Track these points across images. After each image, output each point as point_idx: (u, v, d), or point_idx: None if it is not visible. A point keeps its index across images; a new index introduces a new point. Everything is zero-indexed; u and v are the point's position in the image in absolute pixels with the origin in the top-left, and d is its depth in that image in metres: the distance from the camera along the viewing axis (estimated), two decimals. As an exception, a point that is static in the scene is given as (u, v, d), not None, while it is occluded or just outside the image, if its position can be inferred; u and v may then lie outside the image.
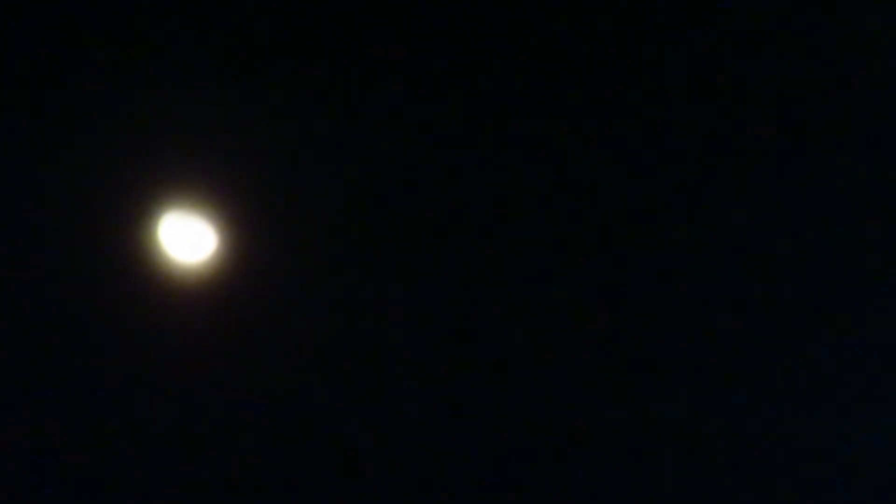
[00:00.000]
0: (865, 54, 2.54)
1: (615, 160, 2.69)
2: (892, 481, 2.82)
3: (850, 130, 2.61)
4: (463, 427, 2.96)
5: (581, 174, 2.71)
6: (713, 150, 2.67)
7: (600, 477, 2.93)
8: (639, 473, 2.93)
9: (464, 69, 2.72)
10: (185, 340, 2.87)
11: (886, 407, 2.75)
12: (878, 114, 2.58)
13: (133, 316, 2.86)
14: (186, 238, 2.84)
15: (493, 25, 2.62)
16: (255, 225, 2.85)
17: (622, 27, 2.61)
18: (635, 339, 2.83)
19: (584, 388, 2.89)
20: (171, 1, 2.57)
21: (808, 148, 2.63)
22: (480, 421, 2.96)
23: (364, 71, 2.70)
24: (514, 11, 2.59)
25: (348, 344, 2.91)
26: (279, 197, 2.83)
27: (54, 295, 2.83)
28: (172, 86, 2.71)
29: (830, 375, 2.79)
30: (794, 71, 2.57)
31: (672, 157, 2.68)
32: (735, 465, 2.90)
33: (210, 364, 2.89)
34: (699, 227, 2.72)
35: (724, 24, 2.56)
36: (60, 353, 2.85)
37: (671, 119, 2.63)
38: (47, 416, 2.85)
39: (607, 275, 2.80)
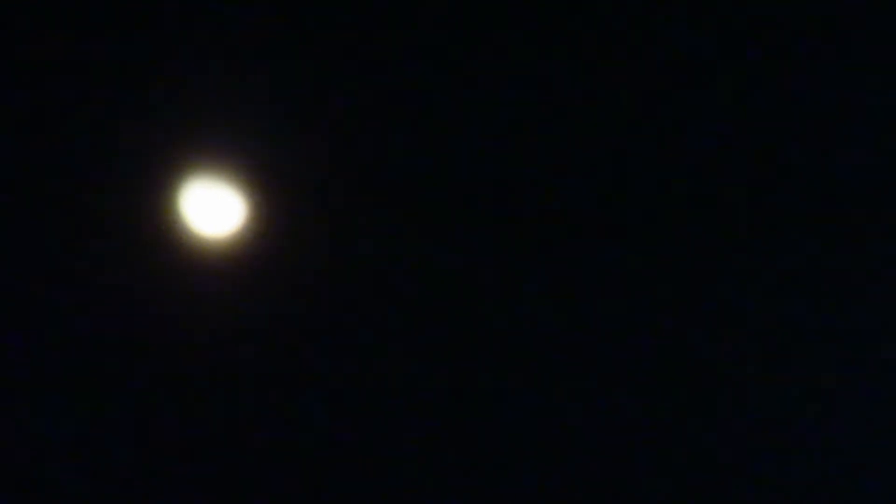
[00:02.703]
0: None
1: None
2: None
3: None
4: (501, 407, 2.68)
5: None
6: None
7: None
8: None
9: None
10: (210, 321, 2.63)
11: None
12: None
13: (154, 294, 2.63)
14: (212, 209, 2.65)
15: None
16: (288, 193, 2.66)
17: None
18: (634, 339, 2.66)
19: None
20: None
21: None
22: (510, 405, 2.68)
23: (413, 33, 2.60)
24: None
25: (388, 325, 2.67)
26: (316, 161, 2.65)
27: (70, 270, 2.61)
28: (197, 38, 2.60)
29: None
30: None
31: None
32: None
33: (238, 347, 2.64)
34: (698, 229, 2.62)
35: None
36: (76, 334, 2.60)
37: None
38: (63, 401, 2.58)
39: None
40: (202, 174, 2.65)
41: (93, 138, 2.60)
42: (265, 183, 2.65)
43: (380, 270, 2.68)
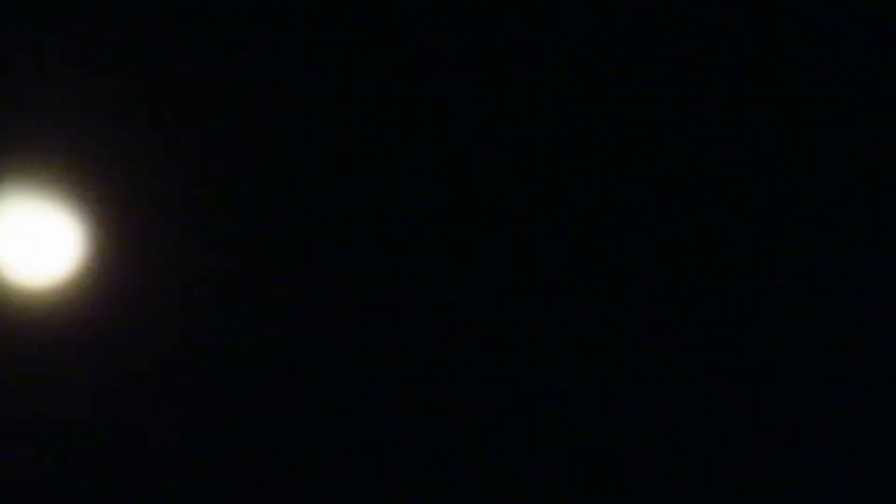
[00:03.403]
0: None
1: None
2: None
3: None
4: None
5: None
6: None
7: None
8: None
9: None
10: (35, 391, 1.91)
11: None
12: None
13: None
14: (35, 248, 1.94)
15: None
16: (136, 225, 1.98)
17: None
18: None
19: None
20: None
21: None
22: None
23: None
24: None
25: (254, 383, 2.00)
26: (170, 184, 2.01)
27: None
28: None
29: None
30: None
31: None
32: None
33: (73, 417, 1.92)
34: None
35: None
36: None
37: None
38: None
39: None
40: (18, 196, 1.94)
41: None
42: (109, 209, 1.97)
43: (259, 321, 2.00)
